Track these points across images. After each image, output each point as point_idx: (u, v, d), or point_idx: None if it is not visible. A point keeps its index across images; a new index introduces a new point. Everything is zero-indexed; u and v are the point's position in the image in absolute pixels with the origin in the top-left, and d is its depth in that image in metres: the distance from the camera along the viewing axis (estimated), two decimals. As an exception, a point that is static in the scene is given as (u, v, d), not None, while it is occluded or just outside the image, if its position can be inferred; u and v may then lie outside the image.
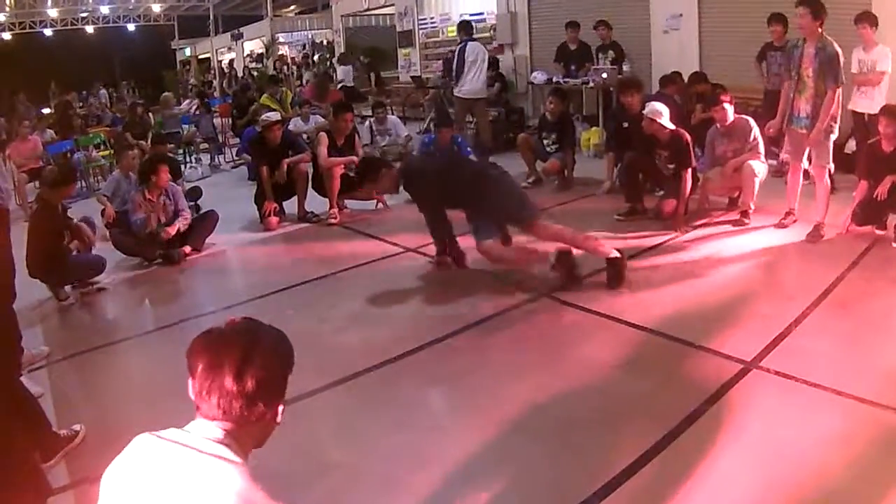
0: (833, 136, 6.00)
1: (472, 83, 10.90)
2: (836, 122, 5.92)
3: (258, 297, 5.87)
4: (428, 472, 3.32)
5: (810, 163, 6.27)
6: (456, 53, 11.17)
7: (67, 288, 6.25)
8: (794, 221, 6.42)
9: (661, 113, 6.75)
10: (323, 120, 11.60)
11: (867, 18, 7.10)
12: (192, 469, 1.66)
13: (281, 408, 1.82)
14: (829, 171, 6.24)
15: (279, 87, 13.77)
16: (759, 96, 8.54)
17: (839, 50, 5.74)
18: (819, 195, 6.19)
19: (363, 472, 3.38)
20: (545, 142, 8.98)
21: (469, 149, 9.55)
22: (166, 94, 15.97)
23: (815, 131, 5.89)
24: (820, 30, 5.76)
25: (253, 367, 1.73)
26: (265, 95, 13.48)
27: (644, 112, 6.88)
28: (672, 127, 6.80)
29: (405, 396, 4.12)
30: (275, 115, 8.79)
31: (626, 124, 7.85)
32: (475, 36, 11.81)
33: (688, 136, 6.83)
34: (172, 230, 7.06)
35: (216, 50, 34.99)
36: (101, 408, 3.87)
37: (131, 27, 35.28)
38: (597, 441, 3.44)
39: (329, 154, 7.99)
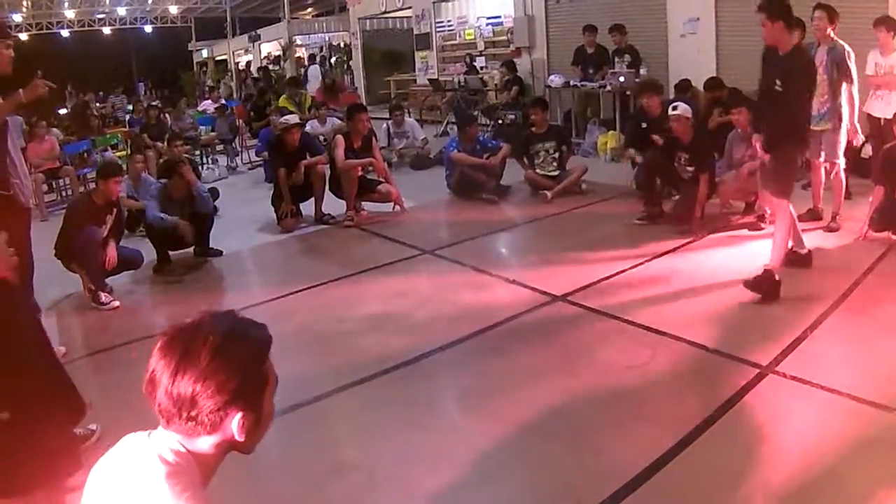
0: (846, 131, 6.39)
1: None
2: (843, 118, 6.32)
3: (275, 299, 5.91)
4: (444, 472, 3.34)
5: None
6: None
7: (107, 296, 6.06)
8: (836, 217, 6.51)
9: (690, 112, 6.81)
10: (340, 122, 11.64)
11: (885, 22, 7.08)
12: (136, 475, 1.59)
13: (239, 416, 1.59)
14: (840, 166, 6.49)
15: (299, 89, 13.77)
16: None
17: (849, 49, 6.20)
18: (834, 188, 6.53)
19: (379, 473, 3.40)
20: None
21: (493, 142, 9.56)
22: (179, 103, 16.04)
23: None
24: (832, 33, 6.23)
25: (189, 372, 1.54)
26: (283, 97, 13.51)
27: (673, 111, 6.90)
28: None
29: (422, 398, 4.14)
30: (293, 118, 8.82)
31: (644, 125, 7.87)
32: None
33: (709, 140, 6.86)
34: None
35: (233, 52, 35.09)
36: (117, 407, 3.88)
37: (148, 29, 35.53)
38: (612, 444, 3.45)
39: (346, 156, 8.01)
